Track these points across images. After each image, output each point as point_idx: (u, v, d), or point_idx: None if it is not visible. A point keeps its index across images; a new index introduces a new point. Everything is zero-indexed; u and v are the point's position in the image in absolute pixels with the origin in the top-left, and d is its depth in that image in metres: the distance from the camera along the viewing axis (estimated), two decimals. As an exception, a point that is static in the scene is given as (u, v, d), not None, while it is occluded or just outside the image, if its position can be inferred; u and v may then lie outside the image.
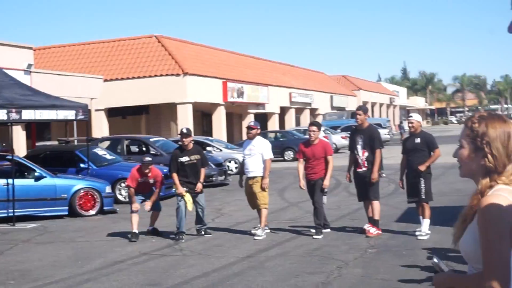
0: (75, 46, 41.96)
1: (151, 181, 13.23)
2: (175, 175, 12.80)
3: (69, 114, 16.77)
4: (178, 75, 36.97)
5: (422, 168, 11.68)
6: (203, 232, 12.96)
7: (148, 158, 13.32)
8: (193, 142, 13.18)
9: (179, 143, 13.23)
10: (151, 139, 24.52)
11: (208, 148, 27.20)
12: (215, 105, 40.62)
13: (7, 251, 12.32)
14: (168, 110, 38.28)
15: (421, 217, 11.91)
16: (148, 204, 13.15)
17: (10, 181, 15.94)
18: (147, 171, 13.10)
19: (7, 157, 17.37)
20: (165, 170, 18.35)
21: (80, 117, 17.17)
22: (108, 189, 16.94)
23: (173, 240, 12.57)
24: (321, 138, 12.77)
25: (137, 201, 13.14)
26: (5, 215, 15.82)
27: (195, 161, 12.87)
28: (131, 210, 12.99)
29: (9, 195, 15.86)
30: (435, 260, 3.10)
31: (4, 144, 27.01)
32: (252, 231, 12.69)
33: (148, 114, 40.21)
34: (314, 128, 12.41)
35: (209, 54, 44.94)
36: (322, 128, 27.38)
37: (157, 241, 12.67)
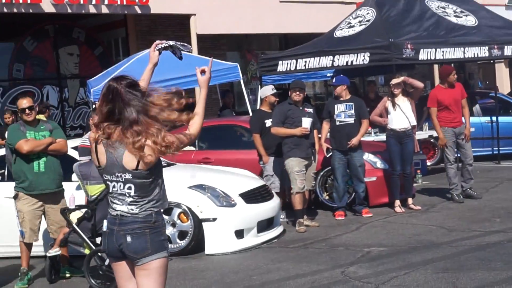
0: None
1: None
2: None
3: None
4: None
5: None
6: None
7: None
8: None
9: None
10: None
11: None
12: None
13: (492, 189, 12.28)
14: None
15: None
16: None
17: (494, 118, 15.88)
18: None
19: (490, 94, 17.37)
20: None
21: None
22: None
23: None
24: None
25: None
26: (490, 153, 15.84)
27: None
28: None
29: (493, 132, 15.80)
30: None
31: (487, 82, 27.11)
32: None
33: None
34: None
35: None
36: None
37: None
